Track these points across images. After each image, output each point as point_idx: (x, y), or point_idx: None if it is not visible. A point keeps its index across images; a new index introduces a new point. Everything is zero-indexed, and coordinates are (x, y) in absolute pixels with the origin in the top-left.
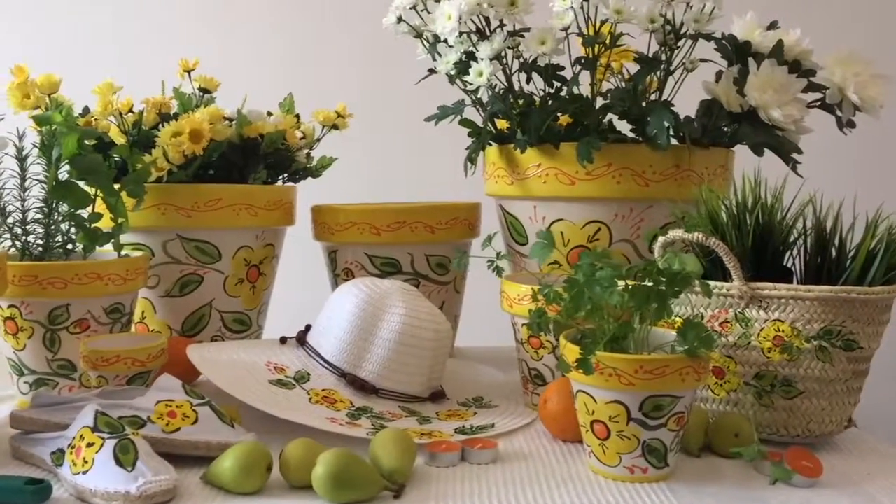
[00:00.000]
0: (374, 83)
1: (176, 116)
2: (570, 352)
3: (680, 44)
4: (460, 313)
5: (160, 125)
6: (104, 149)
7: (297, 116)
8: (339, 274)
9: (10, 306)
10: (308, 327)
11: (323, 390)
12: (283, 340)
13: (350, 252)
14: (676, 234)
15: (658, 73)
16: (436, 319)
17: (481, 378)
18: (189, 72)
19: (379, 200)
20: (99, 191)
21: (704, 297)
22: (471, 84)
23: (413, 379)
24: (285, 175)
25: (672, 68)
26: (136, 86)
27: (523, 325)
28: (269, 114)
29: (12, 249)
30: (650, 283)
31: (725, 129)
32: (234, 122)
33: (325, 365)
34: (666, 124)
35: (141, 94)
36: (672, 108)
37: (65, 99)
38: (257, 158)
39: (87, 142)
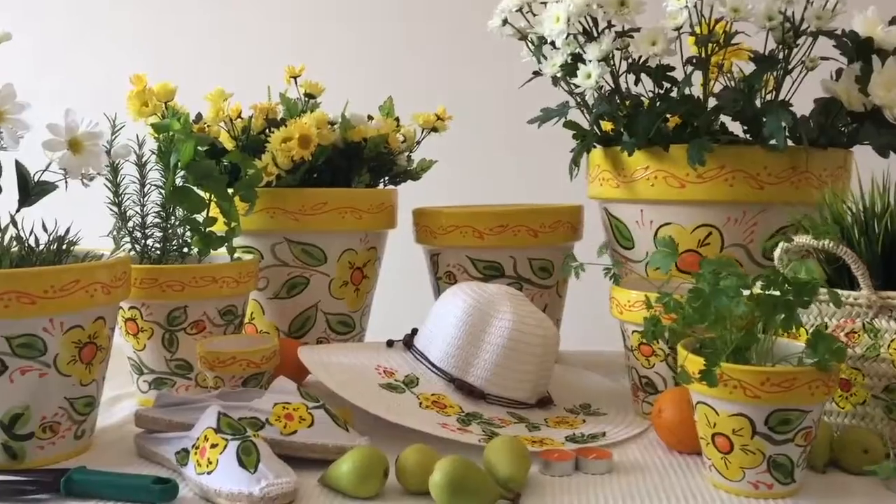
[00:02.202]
0: (473, 85)
1: (283, 122)
2: (692, 363)
3: (798, 41)
4: (562, 317)
5: (267, 130)
6: (216, 155)
7: (397, 119)
8: (441, 277)
9: (131, 307)
10: (414, 331)
11: (432, 395)
12: (390, 344)
13: (452, 255)
14: (803, 240)
15: (775, 72)
16: (543, 324)
17: (588, 384)
18: (295, 78)
19: (478, 203)
20: (213, 196)
21: (834, 306)
22: (577, 86)
23: (521, 385)
24: (386, 178)
25: (790, 67)
26: (242, 92)
27: (634, 331)
28: (370, 118)
29: (132, 252)
30: (777, 293)
31: (843, 129)
32: (337, 127)
33: (434, 370)
34: (783, 125)
35: (246, 100)
36: (790, 107)
37: (180, 107)
38: (361, 162)
39: (200, 148)
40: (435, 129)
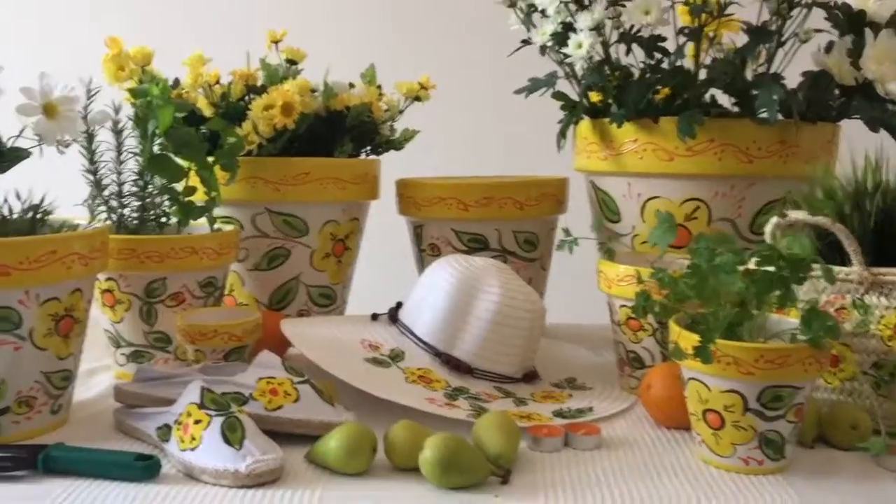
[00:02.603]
0: (457, 54)
1: (264, 89)
2: (686, 339)
3: (793, 13)
4: (546, 290)
5: (247, 97)
6: (195, 122)
7: (379, 87)
8: (425, 249)
9: (108, 279)
10: (399, 304)
11: (419, 369)
12: (375, 317)
13: (436, 227)
14: (798, 215)
15: (767, 44)
16: (530, 298)
17: (572, 358)
18: (276, 43)
19: (462, 175)
20: (193, 164)
21: (826, 282)
22: (567, 56)
23: (508, 359)
24: (369, 148)
25: (783, 39)
26: (220, 58)
27: (622, 306)
28: (352, 85)
29: (108, 222)
30: (772, 269)
31: (832, 103)
32: (319, 95)
33: (420, 344)
34: (775, 98)
35: (225, 66)
36: (782, 81)
37: (158, 71)
38: (343, 131)
39: (178, 115)
40: (418, 99)
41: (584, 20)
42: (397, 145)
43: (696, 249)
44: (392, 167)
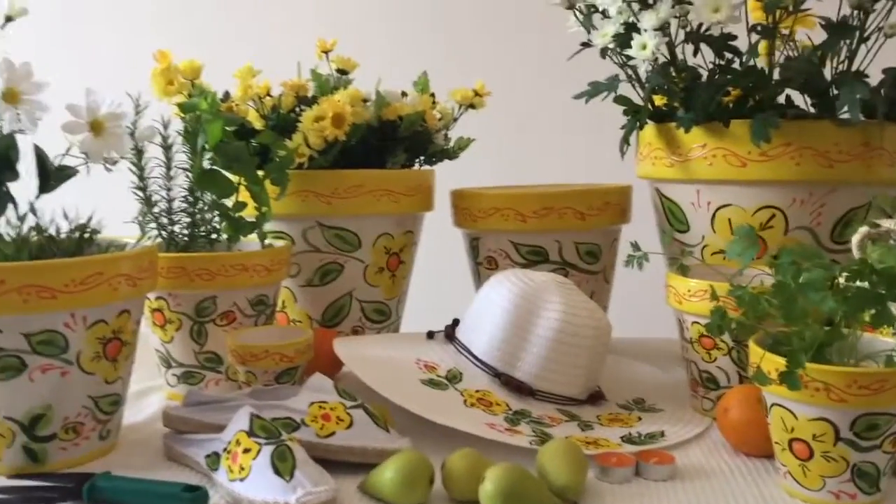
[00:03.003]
0: (510, 59)
1: (314, 100)
2: (770, 362)
3: (877, 6)
4: (609, 304)
5: (298, 109)
6: (245, 135)
7: (433, 96)
8: (482, 262)
9: (157, 298)
10: (456, 322)
11: (477, 391)
12: (431, 335)
13: (493, 240)
14: (889, 224)
15: (849, 40)
16: (594, 315)
17: (640, 376)
18: (327, 52)
19: (519, 183)
20: (243, 179)
21: None
22: (630, 58)
23: (571, 380)
24: (422, 158)
25: (866, 34)
26: (270, 70)
27: (693, 322)
28: (404, 94)
29: (158, 239)
30: (867, 286)
31: None
32: (371, 105)
33: (478, 364)
34: (858, 97)
35: (275, 77)
36: (865, 79)
37: (207, 85)
38: (396, 141)
39: (228, 129)
40: (472, 106)
41: (648, 20)
42: (452, 154)
43: (781, 265)
44: (447, 177)
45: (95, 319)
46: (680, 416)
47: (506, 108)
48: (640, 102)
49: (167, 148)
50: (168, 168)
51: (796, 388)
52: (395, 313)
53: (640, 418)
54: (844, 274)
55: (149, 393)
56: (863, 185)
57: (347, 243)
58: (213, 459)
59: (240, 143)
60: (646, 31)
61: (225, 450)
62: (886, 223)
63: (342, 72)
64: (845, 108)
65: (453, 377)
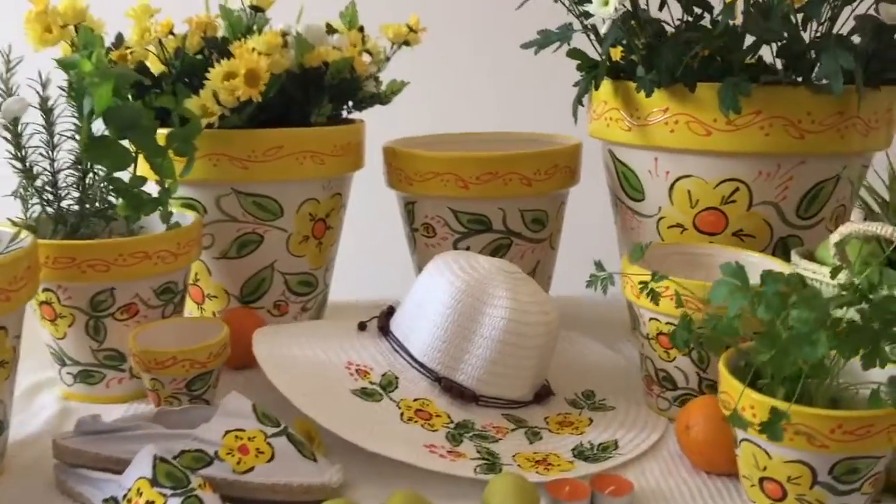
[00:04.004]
0: None
1: (225, 42)
2: (750, 402)
3: None
4: (554, 272)
5: (206, 51)
6: (143, 91)
7: (362, 29)
8: (418, 229)
9: (45, 290)
10: (390, 310)
11: (415, 400)
12: (363, 327)
13: (431, 205)
14: (869, 227)
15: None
16: (544, 309)
17: (589, 359)
18: None
19: (457, 131)
20: (141, 150)
21: None
22: (589, 14)
23: (518, 382)
24: (350, 103)
25: None
26: (172, 4)
27: (651, 319)
28: (330, 29)
29: (43, 216)
30: (859, 320)
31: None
32: (291, 48)
33: (416, 366)
34: (843, 66)
35: (178, 14)
36: (848, 44)
37: (94, 28)
38: (320, 90)
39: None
40: (407, 43)
41: None
42: (383, 100)
43: (761, 293)
44: (378, 124)
45: None
46: (634, 416)
47: (444, 46)
48: (597, 57)
49: (48, 112)
50: (50, 135)
51: (779, 439)
52: (322, 282)
53: (590, 420)
54: (835, 306)
55: (40, 390)
56: (834, 157)
57: (267, 211)
58: None
59: (135, 106)
60: None
61: (125, 497)
62: (875, 227)
63: (257, 9)
64: (827, 78)
65: (388, 384)
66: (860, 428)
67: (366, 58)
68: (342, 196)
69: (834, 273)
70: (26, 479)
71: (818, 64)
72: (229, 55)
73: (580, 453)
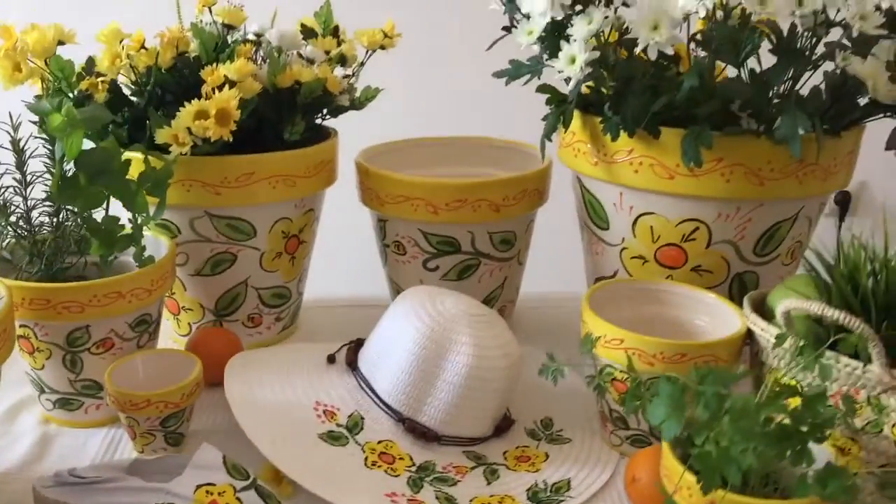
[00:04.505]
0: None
1: (198, 63)
2: (688, 485)
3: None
4: (521, 283)
5: (177, 66)
6: (118, 104)
7: (336, 30)
8: (389, 245)
9: (22, 325)
10: (358, 344)
11: (379, 443)
12: (332, 359)
13: (402, 226)
14: (813, 307)
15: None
16: (506, 349)
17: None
18: (210, 7)
19: (424, 135)
20: (113, 195)
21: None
22: (559, 70)
23: (479, 422)
24: (324, 112)
25: (815, 59)
26: (146, 19)
27: (608, 367)
28: (304, 29)
29: (17, 247)
30: (788, 419)
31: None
32: (264, 68)
33: (381, 406)
34: (801, 132)
35: (150, 24)
36: (808, 106)
37: (62, 65)
38: (293, 109)
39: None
40: (382, 47)
41: (578, 28)
42: (357, 106)
43: (704, 398)
44: (353, 125)
45: None
46: (588, 450)
47: (420, 46)
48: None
49: (20, 153)
50: (23, 174)
51: None
52: (295, 293)
53: (546, 455)
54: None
55: (20, 411)
56: (792, 200)
57: (240, 232)
58: None
59: (107, 149)
60: (576, 41)
61: None
62: (812, 305)
63: (229, 27)
64: (786, 138)
65: (354, 425)
66: None
67: (339, 72)
68: (315, 211)
69: (779, 340)
70: None
71: (779, 118)
72: (200, 81)
73: (534, 495)
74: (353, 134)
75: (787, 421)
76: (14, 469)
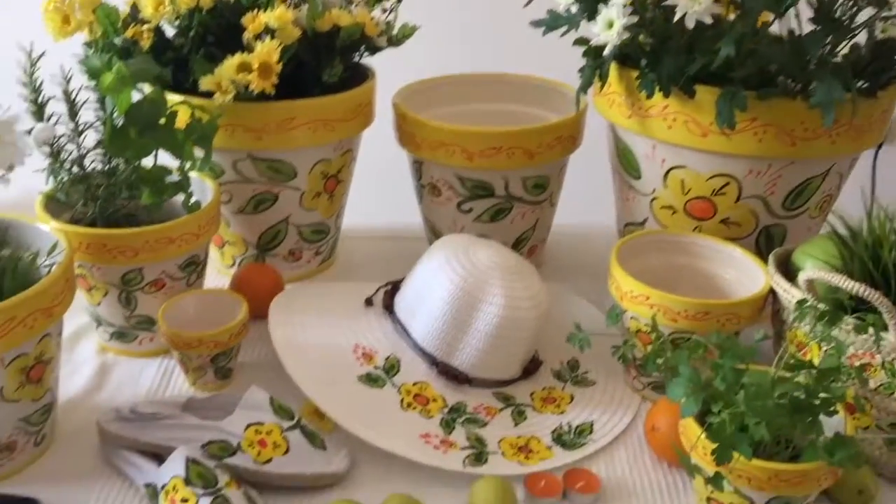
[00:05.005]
0: None
1: (237, 5)
2: (703, 445)
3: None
4: (552, 222)
5: (217, 8)
6: (160, 47)
7: None
8: (425, 186)
9: (80, 266)
10: (394, 288)
11: (414, 384)
12: (369, 302)
13: (438, 169)
14: (835, 279)
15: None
16: (536, 301)
17: (577, 317)
18: None
19: (460, 71)
20: (161, 146)
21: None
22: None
23: (508, 366)
24: (361, 50)
25: (854, 26)
26: None
27: (632, 318)
28: None
29: (70, 186)
30: (801, 393)
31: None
32: (303, 14)
33: (416, 350)
34: (835, 98)
35: None
36: (845, 73)
37: (109, 12)
38: (332, 52)
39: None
40: None
41: None
42: (395, 43)
43: (722, 371)
44: (390, 62)
45: (15, 356)
46: (611, 394)
47: None
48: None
49: (72, 104)
50: (76, 123)
51: (721, 489)
52: (333, 228)
53: (572, 397)
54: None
55: (79, 339)
56: (824, 159)
57: (281, 173)
58: (152, 492)
59: (154, 106)
60: (613, 4)
61: (163, 488)
62: (832, 277)
63: None
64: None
65: (391, 367)
66: (795, 477)
67: (377, 13)
68: (353, 151)
69: (799, 305)
70: (75, 448)
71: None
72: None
73: (559, 437)
74: (388, 69)
75: (799, 394)
76: (77, 398)
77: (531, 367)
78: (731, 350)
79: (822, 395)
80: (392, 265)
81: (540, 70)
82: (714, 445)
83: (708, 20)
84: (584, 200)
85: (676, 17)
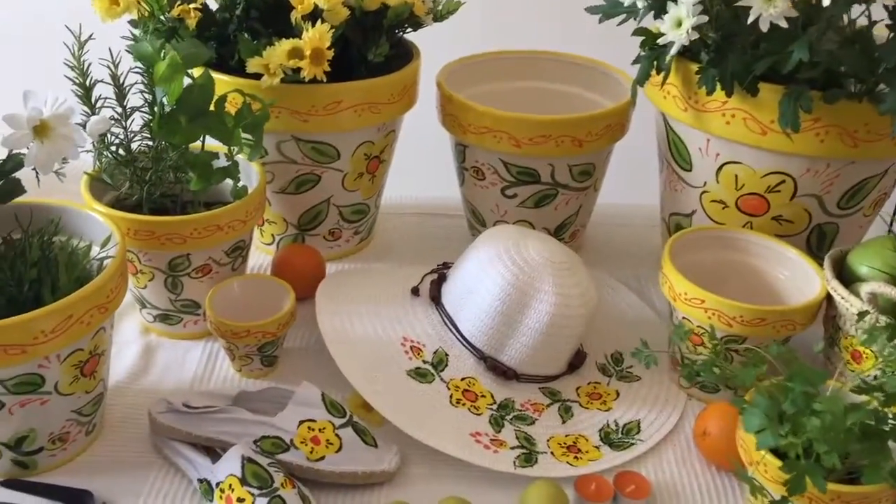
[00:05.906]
0: None
1: None
2: (763, 473)
3: None
4: (594, 207)
5: None
6: (206, 24)
7: None
8: (468, 169)
9: (127, 251)
10: (441, 278)
11: (463, 380)
12: (416, 292)
13: (483, 154)
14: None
15: None
16: (585, 297)
17: (622, 313)
18: None
19: (503, 48)
20: (210, 134)
21: None
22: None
23: (556, 362)
24: (405, 27)
25: None
26: None
27: (684, 318)
28: None
29: (116, 170)
30: (870, 419)
31: None
32: None
33: (464, 343)
34: None
35: None
36: None
37: None
38: (378, 30)
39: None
40: None
41: None
42: (439, 19)
43: (792, 394)
44: (429, 37)
45: (71, 351)
46: (657, 390)
47: None
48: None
49: (120, 87)
50: (123, 108)
51: None
52: (373, 207)
53: (617, 393)
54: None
55: (122, 319)
56: (884, 159)
57: (325, 155)
58: (206, 488)
59: (203, 90)
60: (683, 3)
61: (219, 486)
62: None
63: None
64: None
65: (439, 362)
66: (857, 499)
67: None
68: (395, 132)
69: (860, 317)
70: (124, 435)
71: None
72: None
73: (606, 435)
74: (431, 44)
75: (869, 420)
76: (124, 381)
77: (576, 361)
78: (800, 374)
79: (891, 421)
80: (428, 243)
81: (579, 49)
82: (779, 463)
83: (783, 24)
84: (624, 183)
85: (750, 20)
